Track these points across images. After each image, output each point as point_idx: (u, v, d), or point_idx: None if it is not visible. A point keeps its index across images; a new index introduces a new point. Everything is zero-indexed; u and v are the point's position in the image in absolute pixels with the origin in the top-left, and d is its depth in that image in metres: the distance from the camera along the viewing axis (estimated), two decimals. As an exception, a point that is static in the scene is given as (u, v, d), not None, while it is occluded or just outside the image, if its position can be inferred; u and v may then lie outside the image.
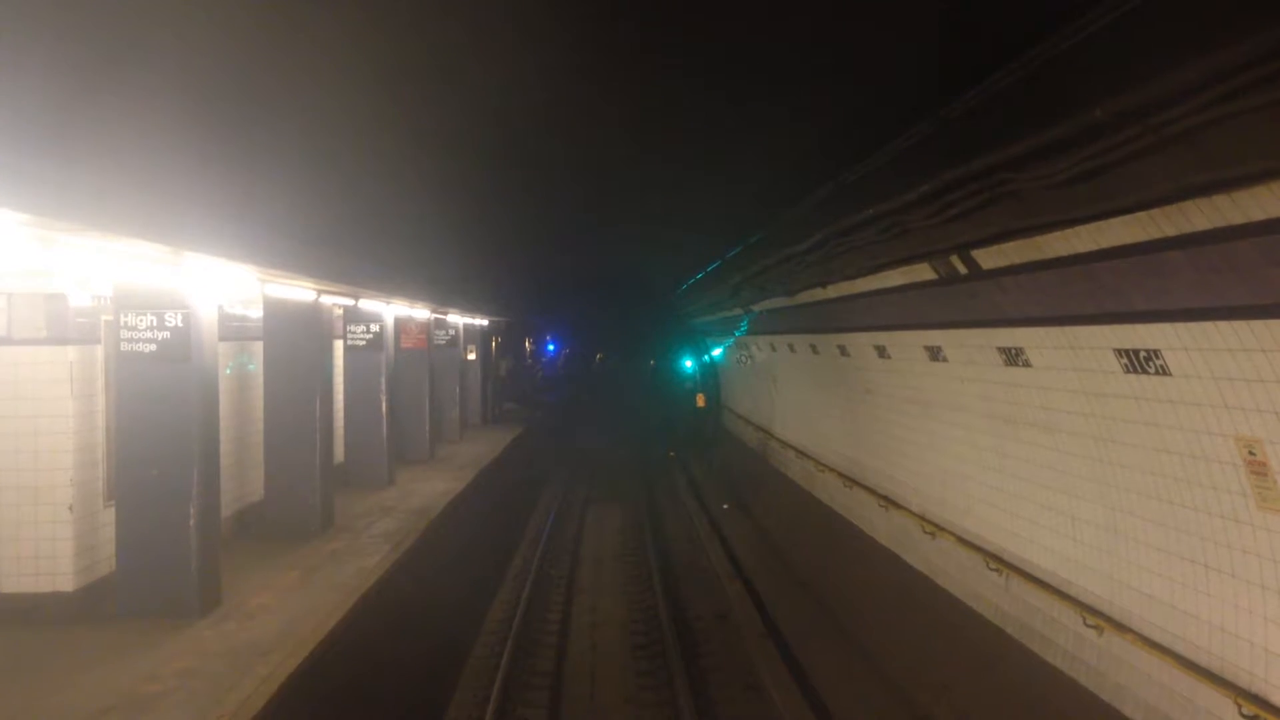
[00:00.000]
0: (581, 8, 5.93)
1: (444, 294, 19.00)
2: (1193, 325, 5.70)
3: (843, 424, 15.48)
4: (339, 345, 16.14)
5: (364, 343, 16.48)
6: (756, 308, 17.89)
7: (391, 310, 16.77)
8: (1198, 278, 5.39)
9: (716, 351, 31.81)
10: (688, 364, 39.58)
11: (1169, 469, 6.51)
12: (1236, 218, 4.75)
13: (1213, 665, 6.13)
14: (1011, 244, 7.00)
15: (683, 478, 28.80)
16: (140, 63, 5.20)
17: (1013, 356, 8.39)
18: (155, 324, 8.78)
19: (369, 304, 14.94)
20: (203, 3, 5.07)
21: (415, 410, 19.44)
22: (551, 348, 56.28)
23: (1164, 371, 6.18)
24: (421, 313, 19.29)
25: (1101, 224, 5.74)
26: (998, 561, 9.33)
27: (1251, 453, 5.57)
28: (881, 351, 12.18)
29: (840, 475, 15.35)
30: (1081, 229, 6.02)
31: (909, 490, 12.12)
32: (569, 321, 51.94)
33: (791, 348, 17.96)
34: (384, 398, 16.46)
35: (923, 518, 11.41)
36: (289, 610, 8.90)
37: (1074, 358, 7.32)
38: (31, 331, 8.68)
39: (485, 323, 28.74)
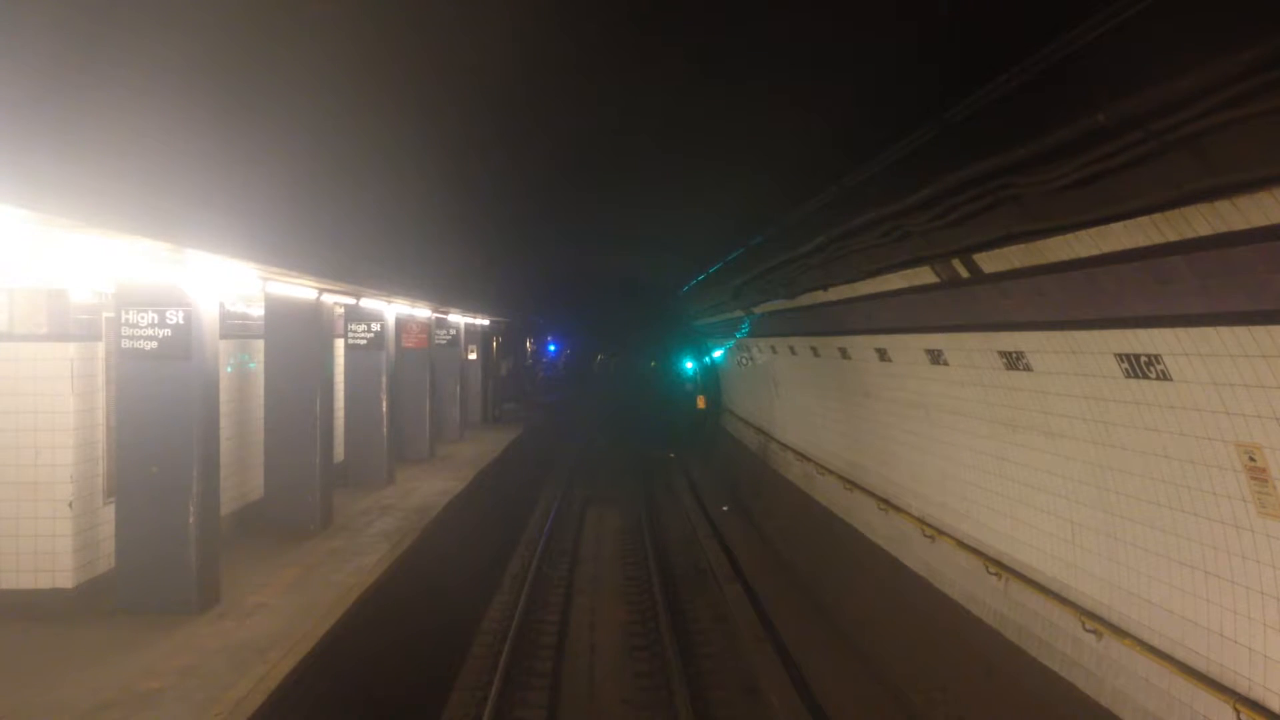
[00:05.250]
0: (588, 8, 5.93)
1: (445, 294, 18.99)
2: (1194, 330, 5.70)
3: (843, 427, 15.47)
4: (340, 344, 16.14)
5: (365, 342, 16.47)
6: (757, 310, 17.89)
7: (393, 309, 16.77)
8: (1199, 283, 5.38)
9: (717, 353, 31.81)
10: (688, 365, 39.60)
11: (1169, 474, 6.50)
12: (1238, 223, 4.76)
13: (1211, 671, 6.13)
14: (1013, 248, 7.00)
15: (682, 479, 28.79)
16: (142, 58, 5.20)
17: (1013, 360, 8.39)
18: (156, 321, 8.77)
19: (370, 303, 14.94)
20: None
21: (415, 409, 19.43)
22: (552, 348, 56.26)
23: (1165, 377, 6.18)
24: (423, 312, 19.29)
25: (1103, 229, 5.74)
26: (997, 565, 9.33)
27: (1252, 459, 5.57)
28: (882, 354, 12.18)
29: (840, 478, 15.34)
30: (1083, 233, 6.03)
31: (908, 493, 12.12)
32: (570, 322, 51.92)
33: (792, 350, 17.95)
34: (384, 397, 16.46)
35: (922, 521, 11.40)
36: (288, 608, 8.90)
37: (1075, 362, 7.32)
38: (32, 327, 8.68)
39: (486, 323, 28.73)
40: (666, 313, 36.60)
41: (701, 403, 34.78)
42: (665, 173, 11.26)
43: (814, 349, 16.09)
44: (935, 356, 10.29)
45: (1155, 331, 6.07)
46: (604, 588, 16.86)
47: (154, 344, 8.76)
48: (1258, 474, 5.55)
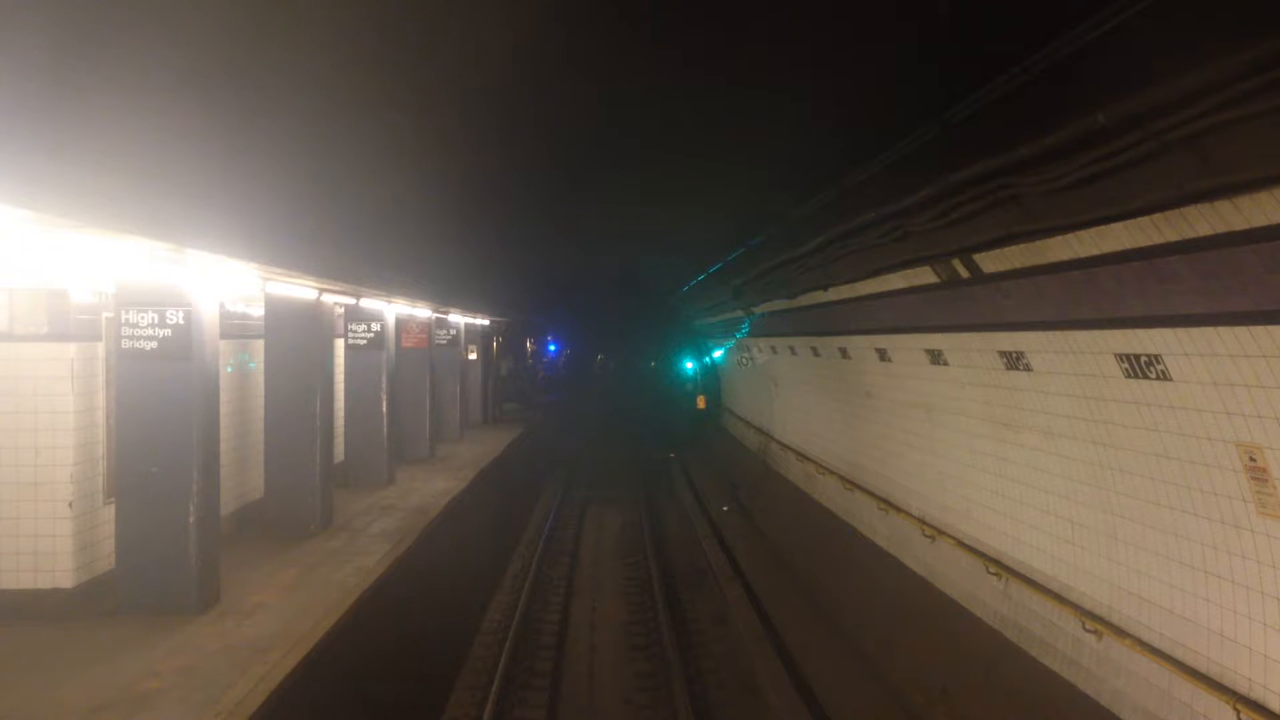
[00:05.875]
0: (588, 7, 5.93)
1: (445, 293, 19.00)
2: (1194, 331, 5.70)
3: (843, 427, 15.47)
4: (340, 344, 16.14)
5: (365, 342, 16.48)
6: (758, 310, 17.89)
7: (393, 309, 16.78)
8: (1199, 283, 5.38)
9: (717, 353, 31.82)
10: (688, 365, 39.59)
11: (1169, 474, 6.50)
12: (1238, 223, 4.76)
13: (1211, 671, 6.13)
14: (1013, 248, 7.00)
15: (682, 479, 28.79)
16: (143, 58, 5.20)
17: (1014, 360, 8.39)
18: (157, 321, 8.77)
19: (370, 303, 14.94)
20: None
21: (415, 410, 19.44)
22: (552, 348, 56.25)
23: (1165, 377, 6.18)
24: (423, 312, 19.29)
25: (1103, 229, 5.74)
26: (997, 565, 9.33)
27: (1252, 459, 5.57)
28: (882, 354, 12.18)
29: (840, 478, 15.34)
30: (1083, 233, 6.03)
31: (909, 494, 12.12)
32: (570, 322, 51.93)
33: (792, 350, 17.95)
34: (384, 397, 16.46)
35: (922, 521, 11.40)
36: (287, 608, 8.90)
37: (1075, 362, 7.32)
38: (33, 328, 8.68)
39: (486, 323, 28.73)
40: (666, 313, 36.61)
41: (701, 403, 34.77)
42: (665, 172, 11.26)
43: (814, 349, 16.10)
44: (935, 356, 10.29)
45: (1155, 331, 6.07)
46: (604, 588, 16.86)
47: (154, 344, 8.77)
48: (1258, 474, 5.55)
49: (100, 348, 9.14)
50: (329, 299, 12.47)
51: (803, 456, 18.41)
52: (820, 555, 15.92)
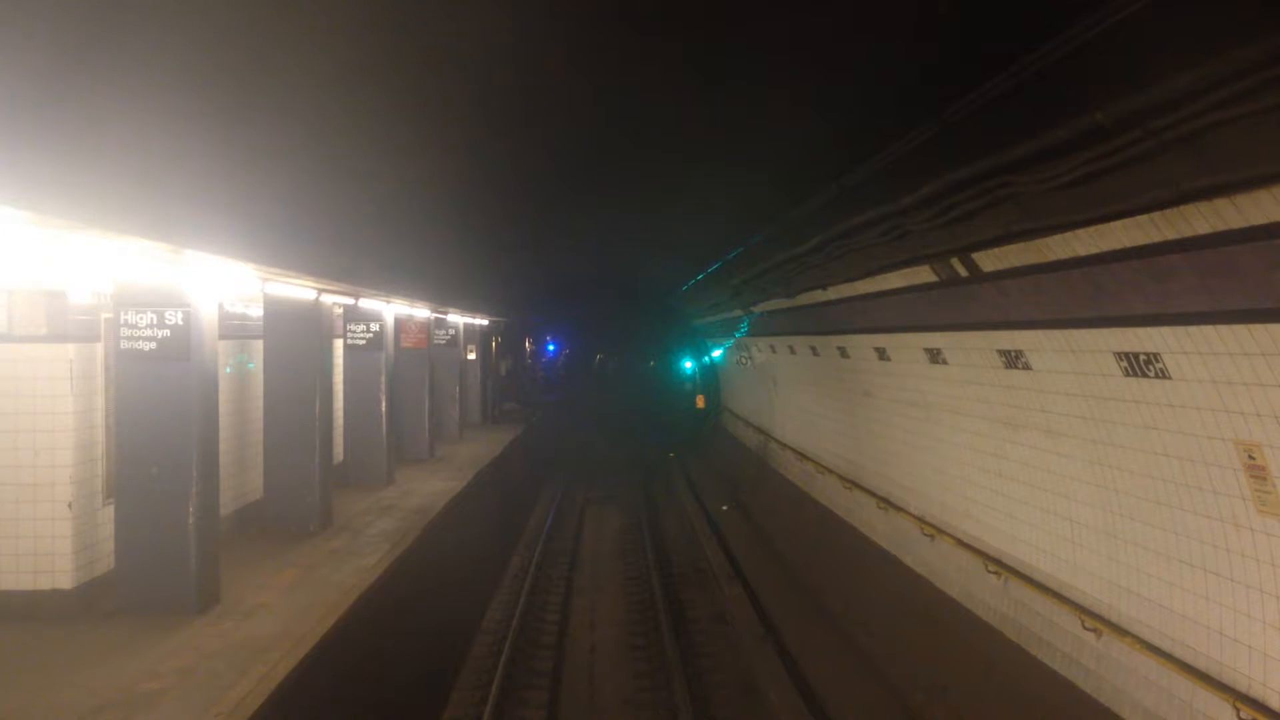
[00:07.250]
0: (586, 8, 5.93)
1: (444, 293, 19.00)
2: (1193, 329, 5.70)
3: (842, 426, 15.48)
4: (339, 344, 16.14)
5: (364, 342, 16.47)
6: (757, 309, 17.90)
7: (391, 309, 16.77)
8: (1198, 282, 5.39)
9: (716, 353, 31.83)
10: (687, 365, 39.62)
11: (1168, 473, 6.51)
12: (1237, 222, 4.76)
13: (1211, 669, 6.13)
14: (1012, 247, 7.01)
15: (682, 479, 28.79)
16: (141, 59, 5.20)
17: (1013, 359, 8.39)
18: (155, 322, 8.77)
19: (369, 303, 14.94)
20: None
21: (415, 410, 19.44)
22: (551, 348, 56.24)
23: (1164, 375, 6.18)
24: (422, 312, 19.29)
25: (1102, 227, 5.75)
26: (996, 564, 9.33)
27: (1251, 457, 5.57)
28: (881, 354, 12.19)
29: (840, 477, 15.35)
30: (1082, 232, 6.03)
31: (908, 492, 12.12)
32: (569, 322, 51.92)
33: (791, 349, 17.96)
34: (384, 397, 16.46)
35: (922, 520, 11.40)
36: (287, 609, 8.90)
37: (1074, 361, 7.32)
38: (31, 329, 8.68)
39: (485, 323, 28.73)
40: (666, 312, 36.62)
41: (701, 402, 34.82)
42: (664, 172, 11.26)
43: (813, 348, 16.10)
44: (934, 355, 10.30)
45: (1154, 330, 6.08)
46: (604, 587, 16.86)
47: (153, 345, 8.77)
48: (1257, 472, 5.56)
49: (99, 348, 9.14)
50: (328, 299, 12.47)
51: (802, 456, 18.41)
52: (820, 554, 15.92)
